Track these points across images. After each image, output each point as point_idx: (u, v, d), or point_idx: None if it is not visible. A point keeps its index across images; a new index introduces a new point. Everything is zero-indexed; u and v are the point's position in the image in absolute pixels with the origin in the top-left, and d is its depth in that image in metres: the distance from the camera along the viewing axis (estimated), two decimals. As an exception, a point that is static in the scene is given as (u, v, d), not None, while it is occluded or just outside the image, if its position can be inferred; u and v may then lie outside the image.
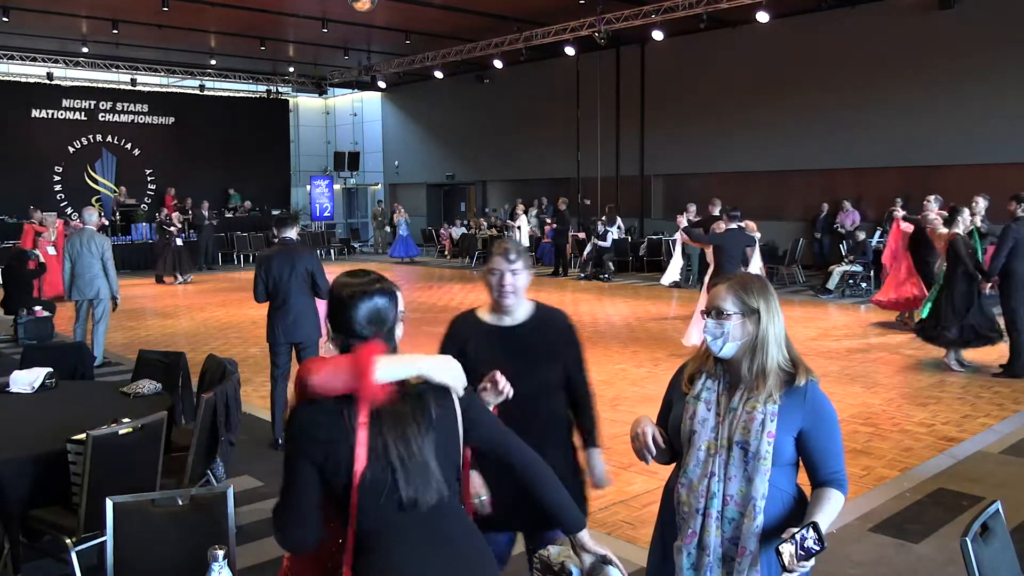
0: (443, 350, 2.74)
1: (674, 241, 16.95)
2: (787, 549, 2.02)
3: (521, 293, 2.76)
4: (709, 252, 9.65)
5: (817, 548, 2.02)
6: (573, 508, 2.12)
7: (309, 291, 6.08)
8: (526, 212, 20.26)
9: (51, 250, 14.01)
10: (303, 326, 6.04)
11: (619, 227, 18.21)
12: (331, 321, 1.96)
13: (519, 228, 18.62)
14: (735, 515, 2.22)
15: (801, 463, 2.31)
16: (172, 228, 17.59)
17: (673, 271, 10.33)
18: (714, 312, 2.29)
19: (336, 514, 1.91)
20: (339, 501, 1.88)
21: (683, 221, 10.66)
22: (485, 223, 21.99)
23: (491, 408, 2.38)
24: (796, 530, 2.05)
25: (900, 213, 10.58)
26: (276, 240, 6.33)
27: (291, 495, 1.88)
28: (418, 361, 1.95)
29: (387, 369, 1.89)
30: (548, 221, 19.24)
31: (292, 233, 6.23)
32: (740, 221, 9.26)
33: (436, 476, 1.87)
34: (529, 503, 2.11)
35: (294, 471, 1.87)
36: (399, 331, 2.01)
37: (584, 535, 2.13)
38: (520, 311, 2.80)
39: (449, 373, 1.96)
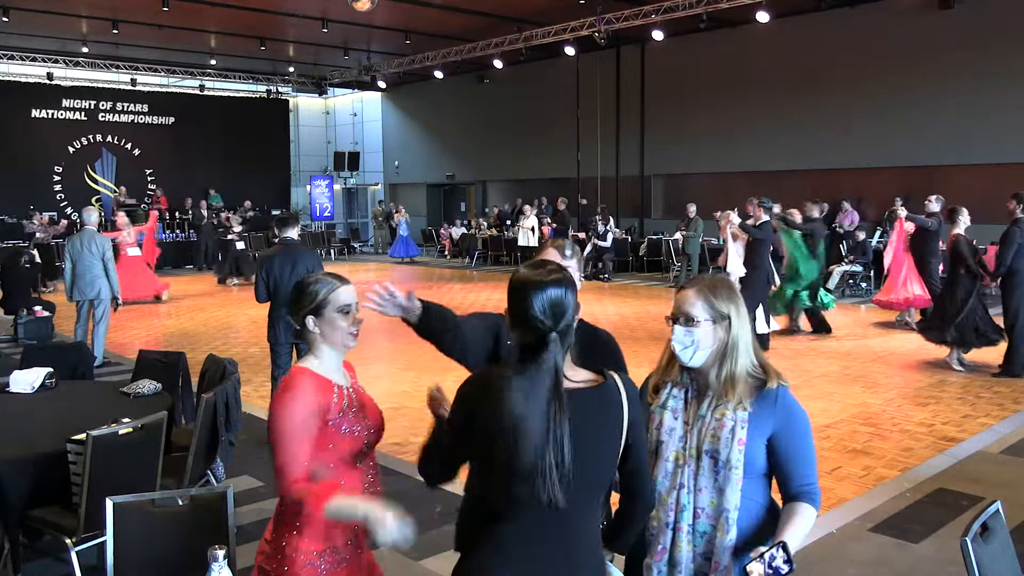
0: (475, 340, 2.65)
1: (674, 241, 16.99)
2: (756, 569, 1.92)
3: None
4: (738, 246, 9.71)
5: (786, 569, 1.92)
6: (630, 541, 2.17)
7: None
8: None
9: (132, 251, 13.94)
10: (304, 326, 6.04)
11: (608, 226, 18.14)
12: (510, 315, 1.91)
13: (531, 229, 18.51)
14: (707, 528, 2.10)
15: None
16: (231, 234, 17.50)
17: (738, 264, 10.06)
18: (683, 319, 2.17)
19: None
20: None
21: (735, 218, 10.33)
22: (485, 223, 22.00)
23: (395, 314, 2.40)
24: (765, 549, 1.96)
25: (903, 212, 10.56)
26: (277, 240, 6.34)
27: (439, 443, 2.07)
28: (361, 510, 2.05)
29: (334, 511, 2.10)
30: (547, 221, 19.22)
31: (293, 233, 6.25)
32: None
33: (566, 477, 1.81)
34: None
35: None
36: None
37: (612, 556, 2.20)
38: None
39: (390, 534, 1.97)
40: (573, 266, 2.62)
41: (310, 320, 2.34)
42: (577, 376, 1.91)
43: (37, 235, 17.58)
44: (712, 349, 2.16)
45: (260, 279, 6.01)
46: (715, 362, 2.16)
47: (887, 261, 10.74)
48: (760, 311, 9.31)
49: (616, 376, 1.94)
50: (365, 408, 2.40)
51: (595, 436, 1.86)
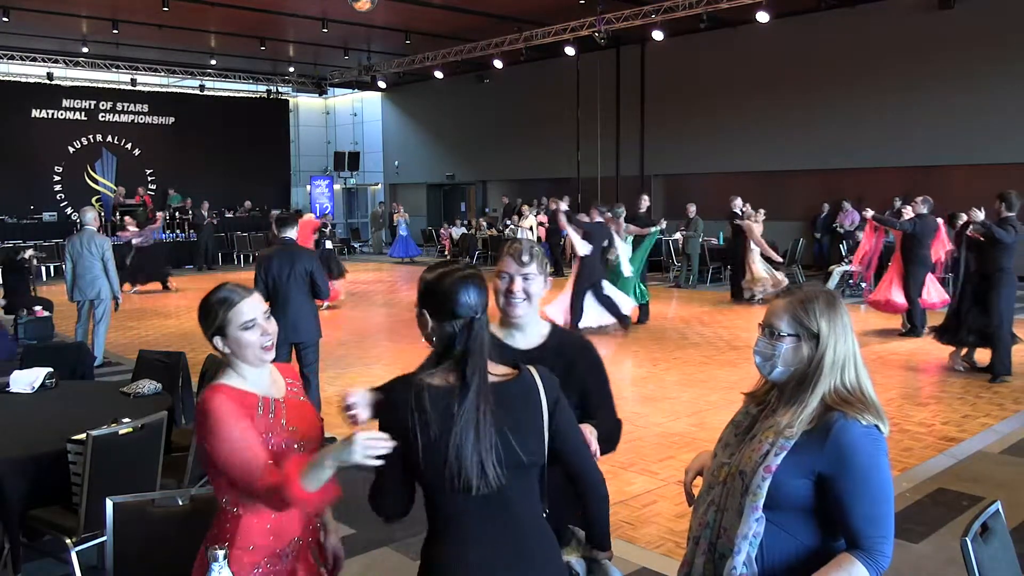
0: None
1: (674, 241, 16.95)
2: None
3: (535, 303, 2.39)
4: (576, 236, 10.15)
5: None
6: (608, 531, 2.20)
7: (308, 291, 6.07)
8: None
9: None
10: (302, 326, 6.05)
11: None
12: (430, 310, 1.97)
13: (530, 229, 18.45)
14: (726, 550, 1.96)
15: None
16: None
17: (581, 246, 10.17)
18: (767, 330, 2.02)
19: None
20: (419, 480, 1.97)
21: (563, 205, 10.98)
22: (485, 223, 21.99)
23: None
24: None
25: (870, 213, 10.43)
26: (276, 240, 6.34)
27: (377, 469, 1.95)
28: (326, 456, 1.97)
29: (310, 479, 1.99)
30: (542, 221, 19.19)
31: (292, 233, 6.24)
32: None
33: (495, 467, 1.90)
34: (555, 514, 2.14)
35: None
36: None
37: (603, 555, 2.18)
38: (533, 329, 2.45)
39: (356, 452, 1.88)
40: (533, 272, 2.38)
41: (217, 340, 2.22)
42: (497, 371, 2.01)
43: (134, 241, 16.12)
44: (794, 368, 1.98)
45: (259, 279, 6.00)
46: (795, 379, 1.99)
47: (857, 257, 11.22)
48: (619, 296, 10.38)
49: (531, 368, 2.04)
50: (295, 418, 2.30)
51: (517, 421, 1.95)
